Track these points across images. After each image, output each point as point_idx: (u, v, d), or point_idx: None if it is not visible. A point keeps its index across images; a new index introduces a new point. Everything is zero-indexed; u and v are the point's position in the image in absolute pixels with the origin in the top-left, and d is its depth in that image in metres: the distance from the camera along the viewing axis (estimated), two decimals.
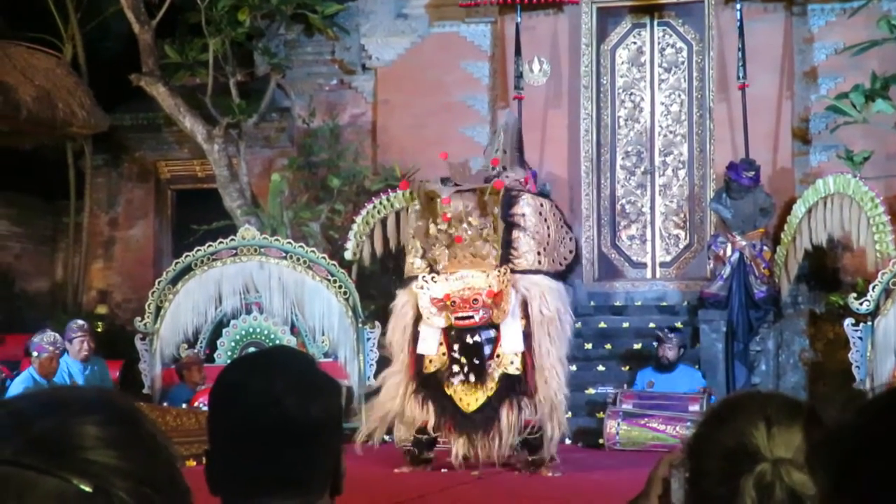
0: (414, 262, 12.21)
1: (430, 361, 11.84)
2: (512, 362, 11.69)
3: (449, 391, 11.73)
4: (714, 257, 16.27)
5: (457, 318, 11.54)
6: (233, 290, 15.32)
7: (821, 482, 1.44)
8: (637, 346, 15.82)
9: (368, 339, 14.94)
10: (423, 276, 11.88)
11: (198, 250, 15.37)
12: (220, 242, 15.38)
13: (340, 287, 15.13)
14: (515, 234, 11.93)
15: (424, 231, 11.96)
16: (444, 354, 11.78)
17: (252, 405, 2.36)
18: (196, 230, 17.36)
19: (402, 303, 12.19)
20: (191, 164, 20.18)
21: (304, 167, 18.43)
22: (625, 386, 14.91)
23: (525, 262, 11.87)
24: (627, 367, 15.60)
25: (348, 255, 15.53)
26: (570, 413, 13.74)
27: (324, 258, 15.34)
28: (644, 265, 18.26)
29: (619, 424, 14.14)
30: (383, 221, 15.29)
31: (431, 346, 11.81)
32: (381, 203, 15.49)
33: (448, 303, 11.57)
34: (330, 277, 15.15)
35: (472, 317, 11.51)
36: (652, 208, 18.27)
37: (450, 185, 12.10)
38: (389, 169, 17.72)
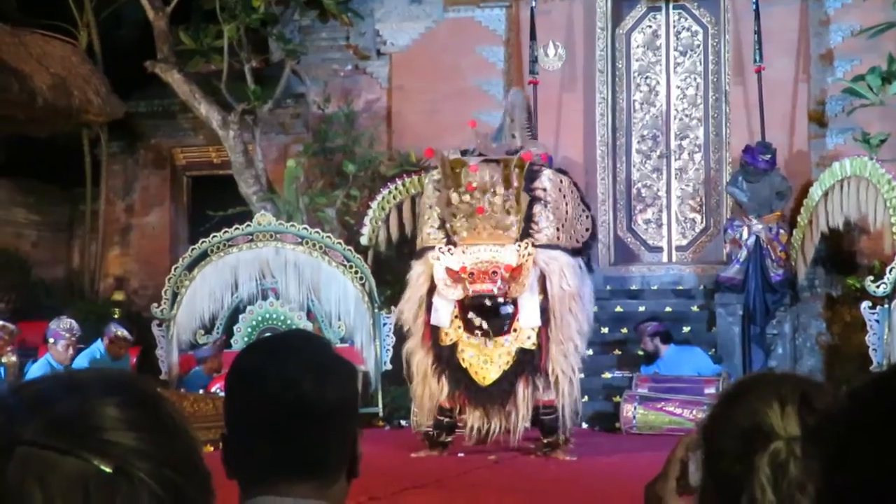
0: (430, 233, 12.16)
1: (446, 334, 11.84)
2: (529, 337, 11.69)
3: (465, 364, 11.74)
4: (730, 241, 16.24)
5: (474, 290, 11.55)
6: (249, 276, 15.34)
7: (816, 468, 1.44)
8: None
9: (385, 325, 14.98)
10: (440, 248, 11.86)
11: (214, 236, 15.40)
12: (236, 228, 15.41)
13: (356, 272, 15.15)
14: (536, 208, 11.90)
15: (446, 200, 11.92)
16: (459, 327, 11.78)
17: (268, 389, 2.37)
18: (212, 216, 17.40)
19: (417, 273, 12.16)
20: (206, 150, 20.21)
21: (320, 153, 18.44)
22: (634, 377, 14.95)
23: (544, 236, 11.84)
24: (642, 352, 15.60)
25: (364, 241, 15.53)
26: (586, 397, 13.76)
27: (339, 244, 15.36)
28: (660, 249, 18.25)
29: (635, 408, 14.15)
30: (399, 206, 15.29)
31: (444, 317, 11.80)
32: (396, 188, 15.49)
33: (464, 275, 11.55)
34: (346, 263, 15.17)
35: (489, 287, 11.50)
36: (668, 192, 18.26)
37: (472, 156, 12.06)
38: (404, 154, 17.72)
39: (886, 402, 1.33)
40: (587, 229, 12.44)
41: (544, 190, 11.98)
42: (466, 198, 11.76)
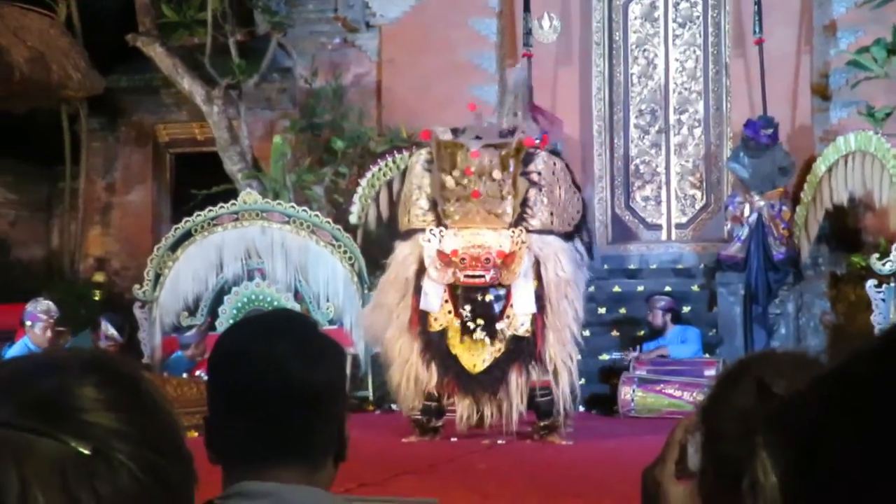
0: (419, 214, 12.10)
1: (435, 319, 11.83)
2: (522, 324, 11.66)
3: (455, 351, 11.75)
4: (731, 218, 16.25)
5: (466, 276, 11.55)
6: (234, 256, 15.35)
7: (777, 461, 1.42)
8: None
9: None
10: (431, 230, 11.85)
11: (198, 215, 15.40)
12: (221, 207, 15.41)
13: (345, 252, 15.15)
14: (531, 192, 11.84)
15: (440, 183, 11.90)
16: (449, 312, 11.78)
17: (253, 370, 2.36)
18: (196, 195, 17.35)
19: (404, 255, 12.10)
20: (190, 126, 20.17)
21: (307, 129, 18.40)
22: (635, 350, 14.98)
23: (538, 221, 11.79)
24: (642, 332, 15.62)
25: (353, 219, 15.52)
26: (583, 379, 13.76)
27: (328, 222, 15.36)
28: (659, 227, 18.26)
29: (633, 391, 14.18)
30: (389, 184, 15.26)
31: (434, 302, 11.78)
32: (386, 165, 15.46)
33: (456, 259, 11.55)
34: (334, 242, 15.18)
35: (482, 276, 11.50)
36: (667, 168, 18.26)
37: (467, 136, 12.02)
38: (395, 130, 17.69)
39: (860, 388, 1.31)
40: (578, 211, 12.37)
41: (539, 174, 11.92)
42: (463, 181, 11.74)
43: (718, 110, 17.94)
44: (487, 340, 11.64)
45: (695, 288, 16.44)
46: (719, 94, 17.92)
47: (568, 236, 12.18)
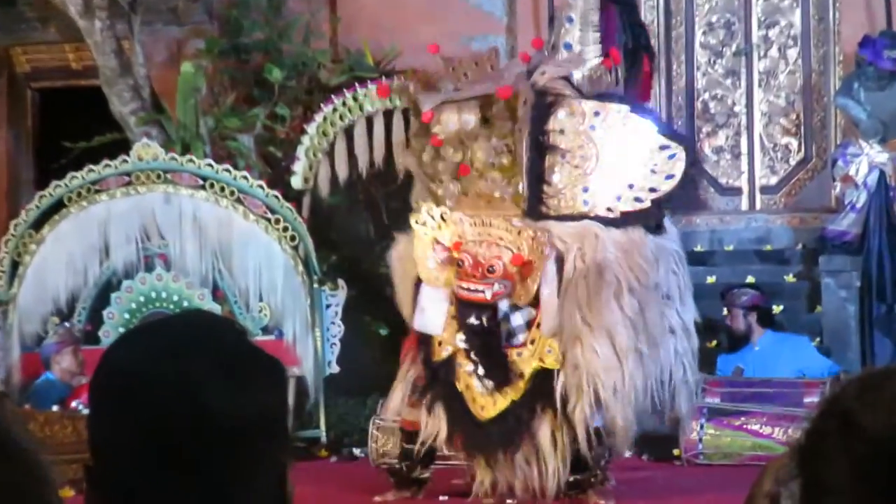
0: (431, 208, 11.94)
1: (440, 344, 11.72)
2: (550, 351, 11.50)
3: (461, 387, 11.58)
4: (842, 178, 16.27)
5: (460, 288, 11.46)
6: (126, 237, 15.36)
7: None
8: None
9: (328, 306, 14.96)
10: (430, 209, 11.68)
11: (73, 177, 15.39)
12: (107, 166, 15.40)
13: (285, 229, 15.18)
14: (549, 160, 11.60)
15: (417, 157, 11.85)
16: (456, 331, 11.59)
17: (155, 399, 2.36)
18: (70, 148, 17.36)
19: (398, 254, 12.14)
20: (61, 50, 20.18)
21: (230, 53, 18.39)
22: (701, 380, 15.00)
23: (564, 203, 11.56)
24: (714, 343, 15.63)
25: (297, 183, 15.49)
26: None
27: (260, 187, 15.37)
28: (738, 191, 18.28)
29: (702, 427, 14.20)
30: (348, 131, 15.25)
31: (436, 320, 11.65)
32: (343, 104, 15.41)
33: (456, 255, 11.45)
34: (270, 216, 15.19)
35: (480, 291, 11.36)
36: (749, 106, 18.28)
37: (444, 91, 11.93)
38: (356, 53, 17.69)
39: None
40: (671, 175, 11.70)
41: (561, 132, 11.62)
42: (444, 153, 11.62)
43: (822, 22, 17.95)
44: (492, 385, 11.47)
45: (789, 278, 16.47)
46: (824, 1, 17.93)
47: (641, 216, 11.77)
